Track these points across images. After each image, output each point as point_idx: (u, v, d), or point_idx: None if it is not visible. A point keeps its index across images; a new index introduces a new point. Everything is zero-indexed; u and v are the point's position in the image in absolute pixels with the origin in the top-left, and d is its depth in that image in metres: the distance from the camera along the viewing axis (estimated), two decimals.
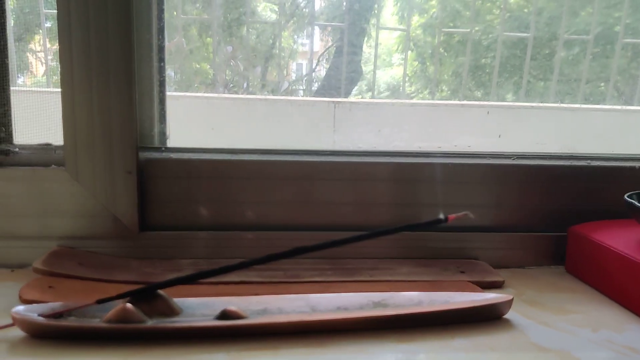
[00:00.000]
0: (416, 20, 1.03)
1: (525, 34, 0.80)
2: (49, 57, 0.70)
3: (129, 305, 0.35)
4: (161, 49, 0.51)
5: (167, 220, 0.50)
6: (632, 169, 0.54)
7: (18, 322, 0.34)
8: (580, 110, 0.82)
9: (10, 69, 0.49)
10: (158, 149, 0.51)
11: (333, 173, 0.51)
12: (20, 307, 0.35)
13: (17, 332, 0.35)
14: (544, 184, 0.54)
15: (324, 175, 0.51)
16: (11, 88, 0.49)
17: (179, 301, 0.38)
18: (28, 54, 0.72)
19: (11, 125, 0.49)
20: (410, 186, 0.52)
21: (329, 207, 0.52)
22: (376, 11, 0.90)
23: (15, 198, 0.47)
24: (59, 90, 0.46)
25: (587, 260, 0.49)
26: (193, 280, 0.39)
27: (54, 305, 0.36)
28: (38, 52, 0.72)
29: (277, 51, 0.91)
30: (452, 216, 0.36)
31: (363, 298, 0.41)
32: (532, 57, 0.81)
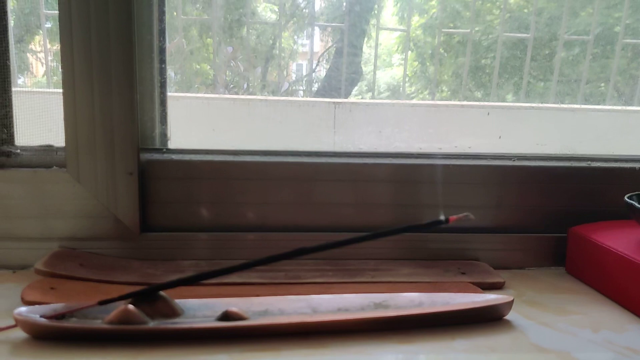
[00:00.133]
0: (416, 20, 1.03)
1: (525, 35, 0.80)
2: (49, 58, 0.70)
3: (130, 306, 0.35)
4: (162, 50, 0.52)
5: (169, 222, 0.50)
6: (632, 170, 0.55)
7: (20, 323, 0.34)
8: (581, 110, 0.82)
9: (11, 70, 0.49)
10: (159, 150, 0.51)
11: (334, 174, 0.51)
12: (23, 309, 0.35)
13: (20, 334, 0.35)
14: (544, 185, 0.54)
15: (325, 177, 0.51)
16: (13, 89, 0.49)
17: (181, 302, 0.38)
18: (28, 55, 0.72)
19: (13, 126, 0.50)
20: (411, 187, 0.52)
21: (329, 209, 0.52)
22: (376, 12, 0.90)
23: (16, 199, 0.47)
24: (60, 91, 0.46)
25: (587, 261, 0.49)
26: (194, 282, 0.39)
27: (56, 306, 0.36)
28: (38, 52, 0.72)
29: (277, 52, 0.91)
30: (452, 217, 0.37)
31: (364, 299, 0.41)
32: (532, 58, 0.81)
